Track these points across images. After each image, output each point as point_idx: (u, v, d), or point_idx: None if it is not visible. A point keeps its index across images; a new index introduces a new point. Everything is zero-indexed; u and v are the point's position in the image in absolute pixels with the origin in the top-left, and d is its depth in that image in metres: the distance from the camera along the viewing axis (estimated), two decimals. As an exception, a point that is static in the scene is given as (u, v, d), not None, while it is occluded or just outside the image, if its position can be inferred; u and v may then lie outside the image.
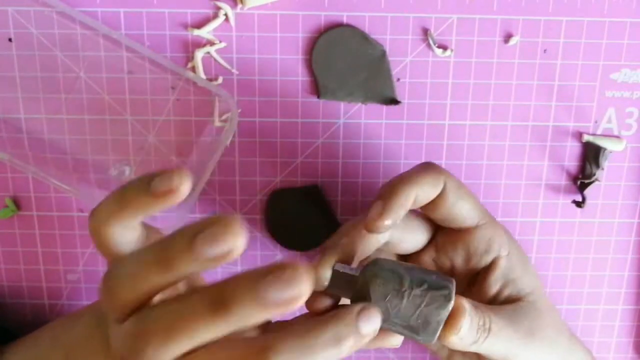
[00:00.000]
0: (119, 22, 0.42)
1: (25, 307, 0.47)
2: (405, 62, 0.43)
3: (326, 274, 0.35)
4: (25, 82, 0.42)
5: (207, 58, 0.42)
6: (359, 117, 0.44)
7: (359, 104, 0.43)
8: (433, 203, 0.37)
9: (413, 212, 0.39)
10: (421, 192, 0.36)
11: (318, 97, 0.43)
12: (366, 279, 0.34)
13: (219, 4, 0.41)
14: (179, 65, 0.42)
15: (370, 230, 0.35)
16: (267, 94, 0.43)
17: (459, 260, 0.39)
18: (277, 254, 0.46)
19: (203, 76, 0.42)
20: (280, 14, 0.42)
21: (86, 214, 0.45)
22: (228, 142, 0.42)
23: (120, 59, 0.42)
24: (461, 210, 0.38)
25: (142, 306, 0.30)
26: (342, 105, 0.43)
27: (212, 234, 0.27)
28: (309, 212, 0.45)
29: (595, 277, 0.47)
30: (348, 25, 0.42)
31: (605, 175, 0.45)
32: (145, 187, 0.28)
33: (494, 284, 0.39)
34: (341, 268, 0.35)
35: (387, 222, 0.35)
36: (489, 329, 0.36)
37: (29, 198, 0.45)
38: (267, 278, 0.26)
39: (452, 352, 0.42)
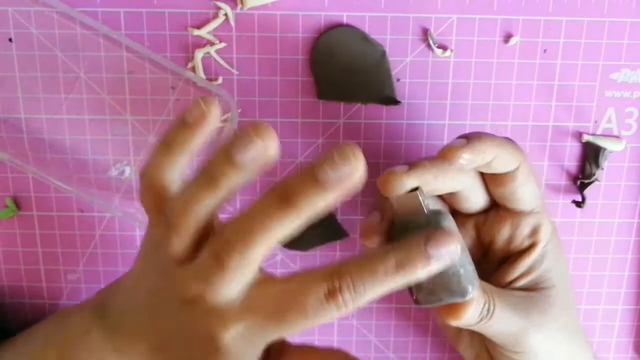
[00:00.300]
0: (119, 22, 0.42)
1: (25, 307, 0.47)
2: (405, 62, 0.43)
3: (411, 184, 0.35)
4: (25, 82, 0.42)
5: (207, 58, 0.42)
6: (359, 117, 0.44)
7: (359, 104, 0.43)
8: (502, 178, 0.38)
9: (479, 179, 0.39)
10: (501, 156, 0.36)
11: (318, 97, 0.43)
12: (430, 220, 0.35)
13: (219, 4, 0.41)
14: (179, 65, 0.42)
15: (447, 157, 0.35)
16: (267, 94, 0.43)
17: (500, 238, 0.40)
18: (277, 253, 0.46)
19: (203, 76, 0.42)
20: (280, 14, 0.42)
21: (86, 214, 0.45)
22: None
23: (120, 59, 0.42)
24: (524, 194, 0.38)
25: (204, 238, 0.31)
26: (342, 105, 0.43)
27: (246, 140, 0.29)
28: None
29: (595, 277, 0.47)
30: (348, 25, 0.42)
31: (605, 175, 0.45)
32: (182, 123, 0.31)
33: (519, 269, 0.40)
34: (420, 194, 0.35)
35: (466, 155, 0.35)
36: (492, 313, 0.37)
37: (29, 198, 0.45)
38: (321, 161, 0.28)
39: (460, 330, 0.43)
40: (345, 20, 0.42)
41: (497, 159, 0.36)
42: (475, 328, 0.38)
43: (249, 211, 0.30)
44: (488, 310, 0.37)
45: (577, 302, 0.47)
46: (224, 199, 0.31)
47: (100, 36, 0.41)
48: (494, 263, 0.41)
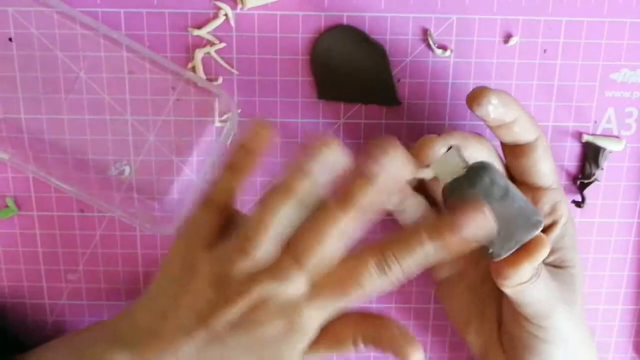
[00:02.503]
0: (119, 22, 0.42)
1: (26, 307, 0.47)
2: (405, 62, 0.43)
3: (441, 150, 0.37)
4: (25, 82, 0.42)
5: (207, 58, 0.42)
6: (359, 117, 0.44)
7: (359, 104, 0.43)
8: (524, 149, 0.39)
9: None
10: (521, 120, 0.38)
11: (318, 97, 0.43)
12: (476, 173, 0.36)
13: (219, 4, 0.41)
14: (179, 66, 0.42)
15: (475, 99, 0.36)
16: (267, 94, 0.43)
17: None
18: (277, 253, 0.46)
19: (203, 76, 0.42)
20: (280, 14, 0.42)
21: (86, 214, 0.45)
22: (228, 142, 0.42)
23: (120, 59, 0.42)
24: (543, 168, 0.39)
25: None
26: (342, 105, 0.43)
27: (313, 150, 0.34)
28: (309, 212, 0.45)
29: (595, 277, 0.47)
30: (348, 25, 0.42)
31: (604, 175, 0.45)
32: (245, 151, 0.36)
33: None
34: (457, 150, 0.37)
35: (494, 100, 0.36)
36: (539, 273, 0.37)
37: (29, 198, 0.45)
38: (365, 159, 0.33)
39: (469, 317, 0.43)
40: (345, 20, 0.42)
41: (518, 123, 0.37)
42: (519, 292, 0.37)
43: (317, 220, 0.34)
44: (537, 269, 0.37)
45: (577, 302, 0.47)
46: (301, 206, 0.34)
47: (100, 36, 0.41)
48: None
